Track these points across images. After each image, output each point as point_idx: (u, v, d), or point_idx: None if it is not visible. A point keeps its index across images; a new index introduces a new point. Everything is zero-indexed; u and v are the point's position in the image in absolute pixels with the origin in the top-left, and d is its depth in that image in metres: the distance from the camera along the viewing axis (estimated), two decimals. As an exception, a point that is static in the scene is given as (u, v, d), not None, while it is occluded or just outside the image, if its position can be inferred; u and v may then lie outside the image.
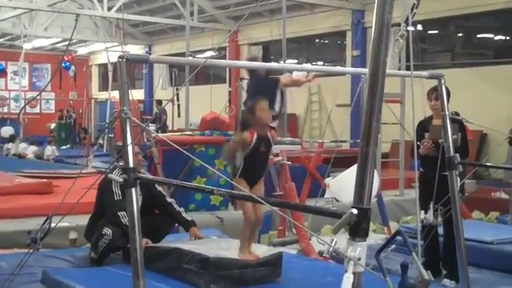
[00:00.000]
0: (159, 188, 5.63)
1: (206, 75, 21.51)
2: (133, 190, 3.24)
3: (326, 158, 8.94)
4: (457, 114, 5.99)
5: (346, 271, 2.10)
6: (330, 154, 9.09)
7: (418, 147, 5.71)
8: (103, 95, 25.15)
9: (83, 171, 10.66)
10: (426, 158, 5.65)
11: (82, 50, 26.98)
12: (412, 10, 9.74)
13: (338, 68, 4.70)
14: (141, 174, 3.34)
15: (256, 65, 5.83)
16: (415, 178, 3.89)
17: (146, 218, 3.60)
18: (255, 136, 4.67)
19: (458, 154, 4.37)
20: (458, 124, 5.58)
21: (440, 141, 4.91)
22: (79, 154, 15.73)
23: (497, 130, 9.33)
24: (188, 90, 12.67)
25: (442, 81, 4.55)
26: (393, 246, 4.84)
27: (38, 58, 27.34)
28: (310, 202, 7.96)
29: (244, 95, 10.61)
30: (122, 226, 5.05)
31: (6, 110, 25.98)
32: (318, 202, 7.97)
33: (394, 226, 8.38)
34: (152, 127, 15.97)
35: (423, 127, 5.89)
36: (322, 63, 19.13)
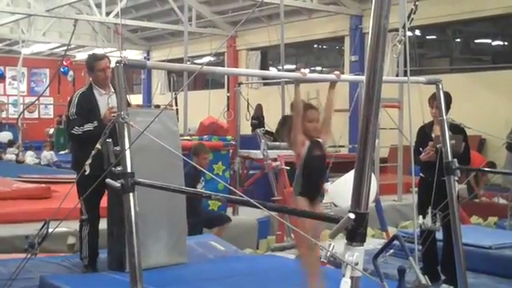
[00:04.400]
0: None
1: (205, 80, 21.52)
2: (130, 195, 3.23)
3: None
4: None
5: (344, 276, 2.10)
6: (329, 159, 9.08)
7: (420, 152, 5.71)
8: (102, 100, 25.09)
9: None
10: (426, 163, 5.63)
11: (80, 55, 26.95)
12: (410, 15, 9.75)
13: (332, 76, 4.61)
14: (139, 179, 3.32)
15: (252, 72, 5.83)
16: (413, 183, 3.88)
17: None
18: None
19: (456, 160, 4.37)
20: (462, 134, 5.54)
21: (438, 146, 4.91)
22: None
23: (495, 136, 9.33)
24: (186, 95, 12.65)
25: (440, 86, 4.56)
26: (391, 251, 4.83)
27: (37, 63, 27.33)
28: (309, 207, 7.95)
29: (242, 100, 10.63)
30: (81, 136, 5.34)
31: (4, 115, 25.90)
32: (317, 206, 7.95)
33: (392, 230, 8.37)
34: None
35: (424, 133, 5.89)
36: (320, 68, 19.14)
